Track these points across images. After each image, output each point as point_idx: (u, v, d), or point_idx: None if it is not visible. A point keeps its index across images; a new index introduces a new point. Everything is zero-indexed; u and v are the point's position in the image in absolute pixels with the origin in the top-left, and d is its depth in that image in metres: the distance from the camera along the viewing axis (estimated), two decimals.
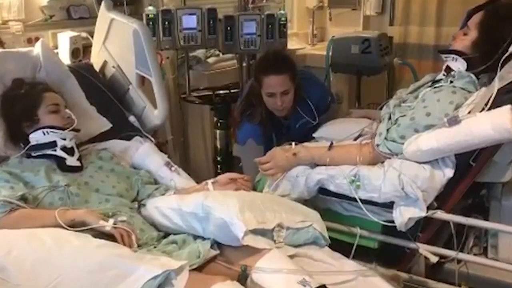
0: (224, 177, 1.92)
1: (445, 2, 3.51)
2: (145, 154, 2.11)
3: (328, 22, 4.19)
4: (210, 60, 3.30)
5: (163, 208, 1.70)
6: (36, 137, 1.82)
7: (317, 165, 1.97)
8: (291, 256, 1.51)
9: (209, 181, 1.91)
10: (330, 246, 1.67)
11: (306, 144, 2.11)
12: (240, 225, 1.44)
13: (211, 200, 1.55)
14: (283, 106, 2.34)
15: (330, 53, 3.37)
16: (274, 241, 1.52)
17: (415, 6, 3.64)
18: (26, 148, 1.83)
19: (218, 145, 3.12)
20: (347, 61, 3.32)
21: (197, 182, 2.06)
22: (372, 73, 3.39)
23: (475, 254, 1.93)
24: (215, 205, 1.52)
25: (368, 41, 3.23)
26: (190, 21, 2.84)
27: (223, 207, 1.50)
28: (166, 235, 1.70)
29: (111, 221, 1.55)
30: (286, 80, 2.29)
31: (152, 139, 2.26)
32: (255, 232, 1.47)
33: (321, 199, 1.99)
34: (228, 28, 2.89)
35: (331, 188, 1.90)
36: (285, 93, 2.31)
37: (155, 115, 2.29)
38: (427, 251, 1.83)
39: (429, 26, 3.59)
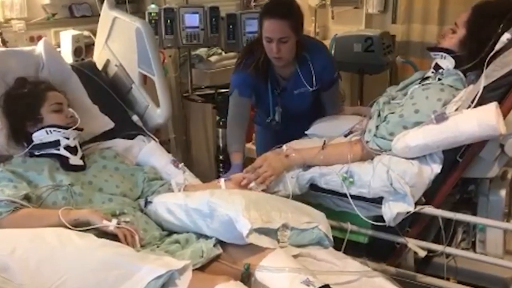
0: (239, 175, 1.92)
1: (448, 1, 3.50)
2: (150, 152, 2.11)
3: (330, 20, 4.18)
4: (212, 58, 3.30)
5: (169, 203, 1.70)
6: (39, 136, 1.82)
7: (309, 167, 1.96)
8: (295, 256, 1.51)
9: (222, 179, 1.90)
10: None
11: (296, 142, 2.10)
12: (245, 222, 1.43)
13: (216, 197, 1.55)
14: (280, 54, 2.21)
15: (333, 52, 3.37)
16: (278, 240, 1.52)
17: (417, 5, 3.64)
18: (29, 147, 1.83)
19: (221, 144, 3.11)
20: (350, 60, 3.33)
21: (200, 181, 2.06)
22: (374, 72, 3.40)
23: (463, 249, 1.95)
24: (220, 202, 1.52)
25: (370, 39, 3.23)
26: (192, 20, 2.84)
27: (228, 204, 1.50)
28: (169, 234, 1.70)
29: (114, 221, 1.55)
30: (286, 27, 2.16)
31: (155, 138, 2.26)
32: (259, 231, 1.46)
33: (312, 195, 1.99)
34: (230, 26, 2.89)
35: (322, 184, 1.91)
36: (283, 41, 2.18)
37: (158, 114, 2.28)
38: (416, 246, 1.85)
39: (432, 24, 3.59)
